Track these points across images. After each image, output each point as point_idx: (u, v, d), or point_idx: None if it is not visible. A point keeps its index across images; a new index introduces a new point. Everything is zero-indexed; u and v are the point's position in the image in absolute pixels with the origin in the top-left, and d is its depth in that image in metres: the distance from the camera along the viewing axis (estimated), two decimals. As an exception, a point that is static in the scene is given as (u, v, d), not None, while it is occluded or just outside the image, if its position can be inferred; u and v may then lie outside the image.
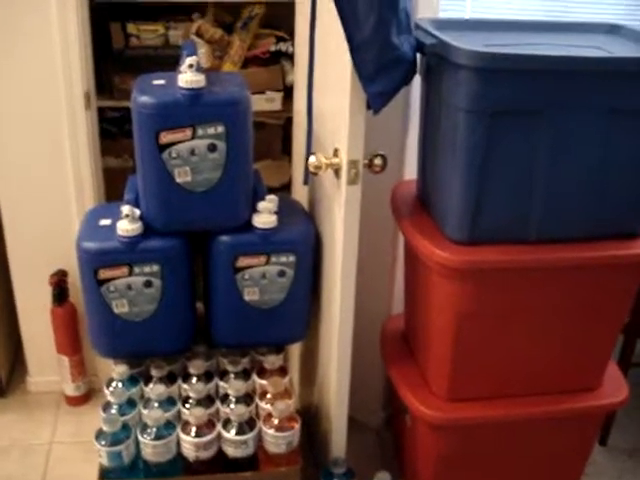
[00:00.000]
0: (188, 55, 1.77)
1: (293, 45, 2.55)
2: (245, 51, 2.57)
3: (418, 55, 1.70)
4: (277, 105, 2.62)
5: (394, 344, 2.22)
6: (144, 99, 1.76)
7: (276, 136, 2.83)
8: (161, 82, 1.84)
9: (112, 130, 2.78)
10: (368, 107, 1.67)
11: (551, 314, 1.87)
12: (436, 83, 1.77)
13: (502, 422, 1.99)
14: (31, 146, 2.33)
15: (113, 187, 2.51)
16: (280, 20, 2.68)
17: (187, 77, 1.73)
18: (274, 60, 2.65)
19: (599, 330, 1.94)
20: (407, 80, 1.67)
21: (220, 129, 1.76)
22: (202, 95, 1.75)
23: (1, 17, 2.17)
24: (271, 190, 1.97)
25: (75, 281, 2.40)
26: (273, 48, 2.63)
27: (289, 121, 2.66)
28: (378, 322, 2.32)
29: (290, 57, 2.61)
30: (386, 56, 1.58)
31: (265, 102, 2.58)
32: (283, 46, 2.62)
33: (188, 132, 1.76)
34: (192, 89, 1.74)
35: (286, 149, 2.83)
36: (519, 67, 1.58)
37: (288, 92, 2.60)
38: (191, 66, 1.73)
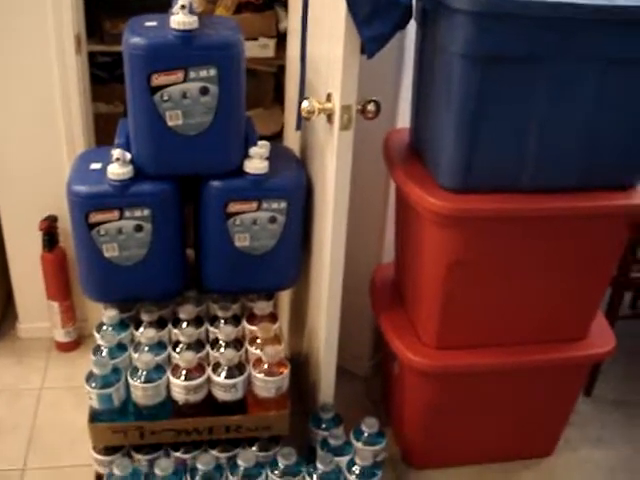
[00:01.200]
0: (182, -6, 1.74)
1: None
2: (238, -4, 2.53)
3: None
4: (270, 52, 2.59)
5: (384, 292, 2.23)
6: (136, 40, 1.73)
7: (268, 84, 2.81)
8: (153, 24, 1.81)
9: (102, 75, 2.75)
10: (362, 52, 1.65)
11: (541, 264, 1.88)
12: (431, 28, 1.75)
13: (489, 370, 2.02)
14: (21, 90, 2.30)
15: (104, 133, 2.48)
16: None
17: (179, 18, 1.70)
18: (267, 6, 2.61)
19: (588, 281, 1.96)
20: (402, 24, 1.65)
21: (212, 72, 1.74)
22: (195, 37, 1.72)
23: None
24: (263, 138, 1.96)
25: (65, 226, 2.39)
26: (267, -6, 2.59)
27: (282, 69, 2.63)
28: (368, 270, 2.33)
29: (283, 3, 2.57)
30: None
31: (258, 49, 2.55)
32: (275, -4, 2.59)
33: (180, 74, 1.73)
34: (184, 30, 1.71)
35: (278, 98, 2.80)
36: (516, 12, 1.56)
37: (281, 39, 2.57)
38: (183, 7, 1.70)
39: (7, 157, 2.39)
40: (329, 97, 1.74)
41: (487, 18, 1.56)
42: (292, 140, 2.26)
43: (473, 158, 1.72)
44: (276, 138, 2.64)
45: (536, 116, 1.69)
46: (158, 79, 1.74)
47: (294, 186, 1.94)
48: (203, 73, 1.74)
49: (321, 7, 1.82)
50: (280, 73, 2.71)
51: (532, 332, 2.01)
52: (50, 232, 2.45)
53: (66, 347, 2.65)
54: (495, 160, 1.74)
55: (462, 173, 1.75)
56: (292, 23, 2.33)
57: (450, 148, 1.73)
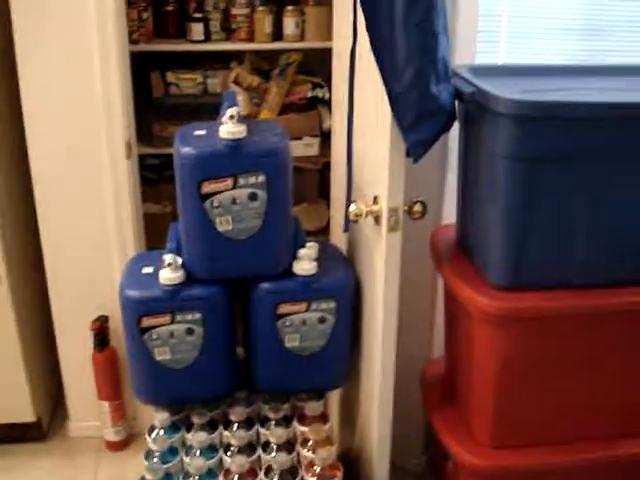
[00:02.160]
0: (229, 106, 1.80)
1: (329, 91, 2.58)
2: (282, 98, 2.61)
3: (456, 102, 1.72)
4: (314, 150, 2.65)
5: (435, 389, 2.20)
6: (186, 150, 1.78)
7: (313, 180, 2.86)
8: (202, 132, 1.86)
9: (151, 176, 2.83)
10: (407, 154, 1.68)
11: (596, 358, 1.84)
12: (475, 130, 1.78)
13: (548, 470, 1.96)
14: (73, 194, 2.38)
15: (153, 232, 2.55)
16: (316, 66, 2.73)
17: (228, 128, 1.76)
18: (311, 106, 2.68)
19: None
20: (446, 128, 1.68)
21: (261, 178, 1.78)
22: (243, 145, 1.77)
23: (47, 69, 2.22)
24: (308, 234, 1.98)
25: (116, 326, 2.43)
26: (309, 94, 2.66)
27: (326, 165, 2.69)
28: (418, 365, 2.30)
29: (326, 103, 2.65)
30: (425, 105, 1.60)
31: (303, 148, 2.61)
32: (319, 92, 2.66)
33: (229, 182, 1.78)
34: (233, 140, 1.76)
35: (323, 193, 2.85)
36: (559, 114, 1.58)
37: (325, 137, 2.63)
38: (232, 117, 1.75)
39: (60, 257, 2.45)
40: (376, 199, 1.76)
41: (531, 121, 1.58)
42: (339, 237, 2.28)
43: (522, 257, 1.72)
44: (321, 233, 2.68)
45: (584, 213, 1.69)
46: (208, 187, 1.78)
47: (343, 286, 1.95)
48: (252, 180, 1.78)
49: (365, 108, 1.86)
50: (324, 169, 2.76)
51: (591, 428, 1.95)
52: (101, 332, 2.49)
53: (116, 446, 2.65)
54: (544, 258, 1.74)
55: (511, 271, 1.74)
56: (336, 123, 2.39)
57: (498, 247, 1.73)
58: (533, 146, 1.60)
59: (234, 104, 1.81)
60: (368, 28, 1.57)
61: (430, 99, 1.59)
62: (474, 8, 2.29)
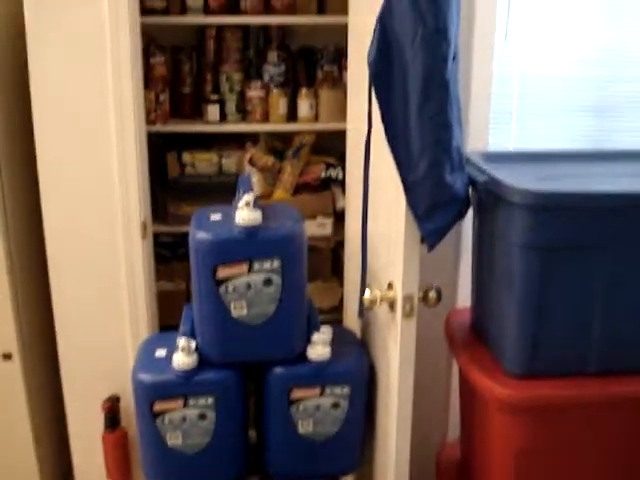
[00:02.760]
0: (245, 192, 1.82)
1: (343, 171, 2.61)
2: (296, 178, 2.63)
3: (470, 190, 1.73)
4: (328, 230, 2.66)
5: (450, 474, 2.17)
6: (202, 235, 1.80)
7: (326, 258, 2.86)
8: (218, 217, 1.88)
9: (165, 254, 2.83)
10: (422, 241, 1.68)
11: (617, 447, 1.81)
12: (489, 217, 1.79)
13: None
14: (88, 272, 2.38)
15: (167, 310, 2.55)
16: (329, 146, 2.76)
17: (244, 215, 1.78)
18: (324, 186, 2.70)
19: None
20: (461, 216, 1.69)
21: (276, 264, 1.80)
22: (258, 231, 1.79)
23: (64, 150, 2.25)
24: (321, 312, 1.98)
25: (127, 406, 2.40)
26: (323, 174, 2.69)
27: (339, 244, 2.70)
28: (433, 448, 2.27)
29: (340, 183, 2.67)
30: (440, 195, 1.61)
31: (316, 227, 2.62)
32: (333, 172, 2.68)
33: (245, 267, 1.79)
34: (249, 227, 1.77)
35: (335, 271, 2.85)
36: (573, 204, 1.59)
37: (338, 217, 2.64)
38: (248, 204, 1.77)
39: (72, 334, 2.43)
40: (390, 285, 1.76)
41: (545, 211, 1.59)
42: (352, 319, 2.27)
43: (537, 345, 1.71)
44: (334, 312, 2.67)
45: (599, 300, 1.69)
46: (223, 272, 1.79)
47: (357, 372, 1.95)
48: (267, 265, 1.79)
49: (379, 192, 1.88)
50: (337, 248, 2.77)
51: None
52: (112, 412, 2.46)
53: (124, 527, 2.59)
54: (560, 346, 1.73)
55: (527, 359, 1.73)
56: (349, 203, 2.40)
57: (514, 335, 1.72)
58: (548, 235, 1.61)
59: (250, 190, 1.83)
60: (383, 119, 1.59)
61: (444, 188, 1.61)
62: (486, 91, 2.33)
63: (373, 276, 1.95)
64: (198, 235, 1.80)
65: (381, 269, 1.89)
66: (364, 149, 1.78)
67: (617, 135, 2.69)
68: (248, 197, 1.78)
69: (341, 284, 2.63)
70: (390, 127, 1.59)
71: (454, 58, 1.59)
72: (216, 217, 1.89)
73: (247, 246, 1.78)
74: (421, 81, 1.53)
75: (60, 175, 2.28)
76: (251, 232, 1.78)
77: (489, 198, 1.73)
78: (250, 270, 1.79)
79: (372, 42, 1.59)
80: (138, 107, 2.31)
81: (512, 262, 1.67)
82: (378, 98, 1.59)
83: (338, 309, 2.65)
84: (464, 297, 2.10)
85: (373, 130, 1.73)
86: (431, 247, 1.66)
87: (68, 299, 2.41)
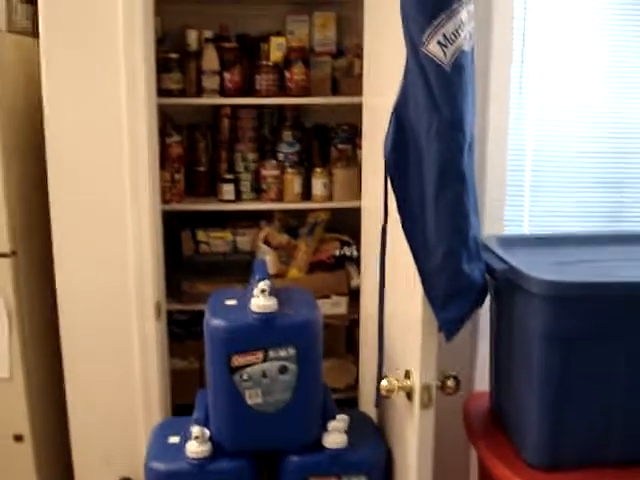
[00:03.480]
0: (260, 278, 1.81)
1: (357, 249, 2.61)
2: (310, 256, 2.63)
3: (487, 276, 1.72)
4: (342, 309, 2.65)
5: None
6: (217, 322, 1.79)
7: (340, 336, 2.84)
8: (233, 302, 1.87)
9: (179, 332, 2.82)
10: (439, 329, 1.66)
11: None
12: (507, 305, 1.77)
13: None
14: (101, 353, 2.36)
15: (179, 389, 2.53)
16: (343, 224, 2.76)
17: (259, 302, 1.77)
18: (339, 264, 2.70)
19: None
20: (478, 305, 1.67)
21: (291, 351, 1.78)
22: (274, 319, 1.77)
23: (79, 229, 2.26)
24: (336, 391, 1.95)
25: (140, 489, 2.37)
26: (337, 252, 2.69)
27: (353, 321, 2.68)
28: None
29: (354, 261, 2.67)
30: (457, 284, 1.59)
31: (331, 306, 2.61)
32: (347, 250, 2.68)
33: (260, 355, 1.77)
34: (264, 313, 1.76)
35: (350, 348, 2.83)
36: (592, 293, 1.58)
37: (352, 294, 2.63)
38: (263, 291, 1.77)
39: (85, 417, 2.41)
40: (408, 374, 1.73)
41: (563, 301, 1.57)
42: (368, 402, 2.24)
43: (558, 435, 1.67)
44: (350, 391, 2.64)
45: (620, 389, 1.65)
46: (238, 360, 1.77)
47: (373, 461, 1.91)
48: (282, 353, 1.78)
49: (396, 277, 1.86)
50: (352, 325, 2.75)
51: None
52: (124, 496, 2.42)
53: None
54: (581, 436, 1.68)
55: (547, 450, 1.68)
56: (364, 282, 2.39)
57: (534, 425, 1.68)
58: (567, 325, 1.59)
59: (265, 276, 1.82)
60: (399, 209, 1.59)
61: (461, 278, 1.59)
62: (502, 169, 2.35)
63: (390, 361, 1.92)
64: (213, 322, 1.79)
65: (398, 355, 1.87)
66: (380, 237, 1.77)
67: (631, 210, 2.69)
68: (263, 284, 1.77)
69: (356, 361, 2.60)
70: (406, 217, 1.58)
71: (470, 147, 1.60)
72: (231, 302, 1.88)
73: (262, 334, 1.77)
74: (437, 172, 1.53)
75: (75, 255, 2.29)
76: (266, 320, 1.77)
77: (507, 286, 1.71)
78: (265, 358, 1.77)
79: (387, 133, 1.60)
80: (154, 187, 2.33)
81: (531, 351, 1.65)
82: (394, 188, 1.59)
83: (354, 388, 2.61)
84: (482, 380, 2.06)
85: (390, 219, 1.73)
86: (449, 337, 1.64)
87: (81, 378, 2.39)
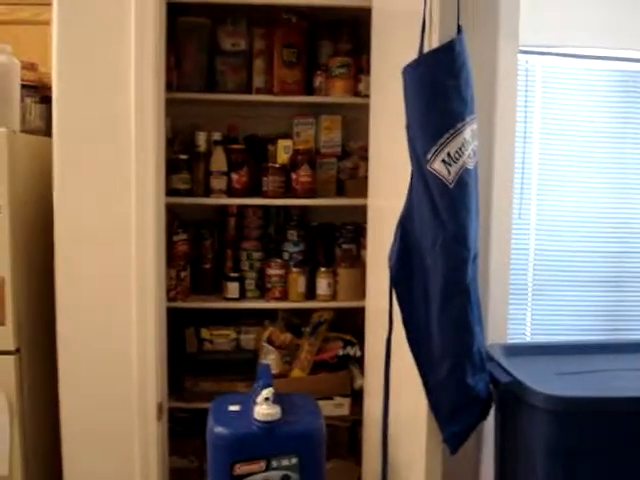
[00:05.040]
0: (264, 385, 1.81)
1: (360, 349, 2.60)
2: (314, 356, 2.63)
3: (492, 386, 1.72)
4: (345, 410, 2.62)
5: None
6: (219, 430, 1.79)
7: (343, 436, 2.80)
8: (236, 409, 1.87)
9: (179, 430, 2.78)
10: (443, 441, 1.66)
11: None
12: (511, 417, 1.77)
13: None
14: (102, 451, 2.33)
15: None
16: (347, 323, 2.77)
17: (263, 410, 1.77)
18: (342, 364, 2.69)
19: None
20: (483, 417, 1.67)
21: (294, 460, 1.77)
22: (277, 427, 1.77)
23: (85, 326, 2.27)
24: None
25: None
26: (341, 352, 2.68)
27: (356, 421, 2.65)
28: None
29: (357, 360, 2.66)
30: (461, 397, 1.60)
31: (333, 407, 2.59)
32: (351, 350, 2.67)
33: (262, 464, 1.76)
34: (267, 422, 1.76)
35: (353, 449, 2.79)
36: (596, 409, 1.58)
37: (355, 395, 2.61)
38: (267, 399, 1.76)
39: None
40: None
41: (568, 416, 1.57)
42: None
43: None
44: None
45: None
46: (240, 469, 1.77)
47: None
48: (285, 462, 1.77)
49: (401, 389, 1.86)
50: (355, 425, 2.72)
51: None
52: None
53: None
54: None
55: None
56: (368, 383, 2.39)
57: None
58: (571, 439, 1.59)
59: (269, 383, 1.82)
60: (404, 321, 1.61)
61: (466, 391, 1.60)
62: (506, 272, 2.37)
63: (394, 472, 1.90)
64: (217, 430, 1.79)
65: (402, 466, 1.85)
66: (385, 348, 1.78)
67: (630, 308, 2.71)
68: (267, 392, 1.77)
69: (358, 462, 2.57)
70: (411, 330, 1.60)
71: (474, 260, 1.62)
72: (235, 408, 1.88)
73: (266, 443, 1.77)
74: (442, 285, 1.56)
75: (80, 353, 2.29)
76: (270, 428, 1.76)
77: (511, 399, 1.71)
78: (268, 467, 1.76)
79: (393, 244, 1.63)
80: (160, 285, 2.35)
81: (535, 463, 1.64)
82: (399, 301, 1.62)
83: (356, 491, 2.57)
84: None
85: (394, 327, 1.74)
86: (454, 450, 1.63)
87: (80, 478, 2.36)
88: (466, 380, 1.58)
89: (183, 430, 2.80)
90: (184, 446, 2.75)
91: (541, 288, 2.69)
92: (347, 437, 2.84)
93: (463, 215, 1.55)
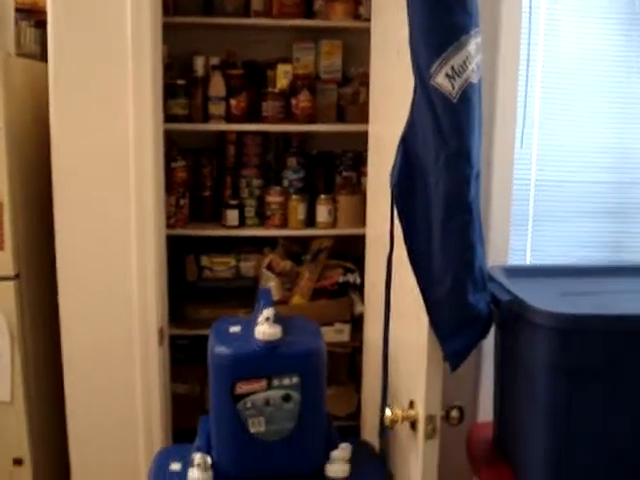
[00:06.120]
0: (265, 306, 1.81)
1: (360, 276, 2.61)
2: (314, 283, 2.63)
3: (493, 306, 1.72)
4: (345, 336, 2.65)
5: None
6: (221, 350, 1.78)
7: (343, 363, 2.83)
8: (237, 329, 1.87)
9: (180, 357, 2.81)
10: (444, 359, 1.66)
11: None
12: (512, 337, 1.77)
13: None
14: (103, 379, 2.35)
15: (180, 413, 2.51)
16: (347, 251, 2.76)
17: (264, 329, 1.76)
18: (342, 291, 2.70)
19: None
20: (483, 336, 1.66)
21: (295, 380, 1.77)
22: (278, 347, 1.77)
23: (83, 252, 2.26)
24: (338, 419, 1.93)
25: (140, 517, 2.35)
26: (341, 279, 2.69)
27: (355, 348, 2.67)
28: None
29: (357, 287, 2.66)
30: (463, 315, 1.59)
31: (333, 334, 2.60)
32: (351, 277, 2.68)
33: (264, 383, 1.76)
34: (269, 341, 1.76)
35: (352, 375, 2.82)
36: (598, 327, 1.58)
37: (355, 322, 2.63)
38: (268, 319, 1.76)
39: (84, 442, 2.38)
40: (412, 404, 1.73)
41: (569, 333, 1.57)
42: (370, 429, 2.23)
43: (563, 469, 1.66)
44: (351, 419, 2.62)
45: (627, 424, 1.65)
46: (242, 388, 1.77)
47: (376, 490, 1.90)
48: (286, 381, 1.77)
49: (401, 309, 1.86)
50: (354, 352, 2.74)
51: None
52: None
53: None
54: (586, 470, 1.68)
55: (553, 484, 1.68)
56: (368, 310, 2.39)
57: (538, 458, 1.68)
58: (573, 358, 1.59)
59: (270, 304, 1.82)
60: (406, 240, 1.59)
61: (467, 308, 1.59)
62: (507, 199, 2.36)
63: (394, 391, 1.91)
64: (218, 349, 1.79)
65: (402, 385, 1.86)
66: (386, 266, 1.77)
67: (632, 239, 2.70)
68: (268, 312, 1.77)
69: (358, 389, 2.60)
70: (413, 247, 1.59)
71: (477, 177, 1.60)
72: (236, 329, 1.87)
73: (267, 362, 1.76)
74: (444, 202, 1.54)
75: (79, 278, 2.28)
76: (271, 348, 1.76)
77: (512, 318, 1.71)
78: (269, 386, 1.77)
79: (394, 163, 1.61)
80: (159, 212, 2.33)
81: (536, 383, 1.64)
82: (401, 219, 1.60)
83: (355, 416, 2.60)
84: (485, 411, 2.05)
85: (395, 247, 1.73)
86: (454, 368, 1.63)
87: (82, 402, 2.38)
88: (467, 298, 1.57)
89: (184, 357, 2.82)
90: (185, 373, 2.79)
91: (542, 219, 2.68)
92: (347, 364, 2.86)
93: (467, 131, 1.52)
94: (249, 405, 1.77)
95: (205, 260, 2.71)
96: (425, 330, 1.62)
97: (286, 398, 1.78)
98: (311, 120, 2.65)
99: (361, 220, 2.52)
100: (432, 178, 1.55)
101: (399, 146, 1.60)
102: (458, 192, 1.53)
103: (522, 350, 1.70)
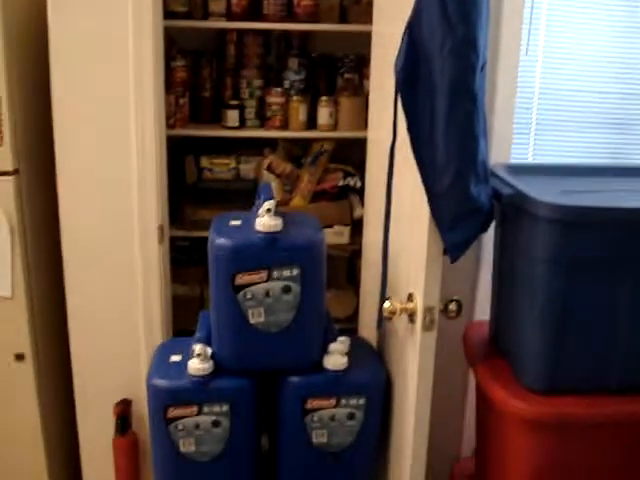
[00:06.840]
0: (265, 199, 1.80)
1: (361, 180, 2.60)
2: (314, 185, 2.62)
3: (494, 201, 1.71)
4: (345, 239, 2.65)
5: (463, 489, 2.15)
6: (221, 241, 1.79)
7: (342, 267, 2.84)
8: (237, 223, 1.87)
9: (181, 258, 2.82)
10: (444, 252, 1.66)
11: (637, 469, 1.79)
12: (513, 231, 1.77)
13: None
14: (103, 275, 2.36)
15: (180, 314, 2.54)
16: (348, 154, 2.74)
17: (264, 221, 1.76)
18: (342, 194, 2.69)
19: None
20: (484, 229, 1.67)
21: (295, 271, 1.78)
22: (279, 239, 1.77)
23: (83, 151, 2.24)
24: (336, 321, 1.96)
25: (139, 410, 2.39)
26: (341, 183, 2.68)
27: (354, 252, 2.68)
28: (447, 462, 2.25)
29: (357, 191, 2.66)
30: (464, 207, 1.59)
31: (333, 236, 2.60)
32: (351, 181, 2.67)
33: (264, 274, 1.77)
34: (269, 233, 1.76)
35: (351, 279, 2.84)
36: (599, 219, 1.58)
37: (355, 225, 2.63)
38: (269, 210, 1.76)
39: (85, 337, 2.41)
40: (411, 297, 1.74)
41: (570, 225, 1.57)
42: (368, 329, 2.26)
43: (558, 360, 1.69)
44: (349, 321, 2.65)
45: (624, 318, 1.67)
46: (242, 279, 1.78)
47: (373, 383, 1.93)
48: (286, 272, 1.78)
49: (402, 202, 1.86)
50: (353, 256, 2.75)
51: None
52: (123, 416, 2.44)
53: (132, 534, 2.57)
54: (582, 361, 1.71)
55: (547, 375, 1.71)
56: (368, 212, 2.39)
57: (535, 350, 1.70)
58: (573, 250, 1.60)
59: (270, 197, 1.82)
60: (409, 129, 1.58)
61: (469, 200, 1.59)
62: (510, 104, 2.33)
63: (392, 287, 1.92)
64: (218, 241, 1.79)
65: (401, 280, 1.87)
66: (388, 157, 1.76)
67: (633, 150, 2.69)
68: (269, 204, 1.77)
69: (356, 293, 2.62)
70: (416, 137, 1.57)
71: (482, 68, 1.58)
72: (236, 223, 1.87)
73: (267, 253, 1.77)
74: (448, 91, 1.52)
75: (78, 178, 2.27)
76: (271, 239, 1.76)
77: (513, 211, 1.71)
78: (269, 277, 1.78)
79: (399, 51, 1.58)
80: (159, 111, 2.30)
81: (534, 276, 1.65)
82: (404, 107, 1.58)
83: (353, 319, 2.63)
84: (482, 309, 2.07)
85: (398, 139, 1.72)
86: (454, 259, 1.64)
87: (82, 301, 2.40)
88: (469, 189, 1.57)
89: (184, 258, 2.83)
90: (185, 274, 2.80)
91: (544, 128, 2.65)
92: (346, 268, 2.88)
93: (474, 18, 1.49)
94: (249, 296, 1.79)
95: (205, 161, 2.69)
96: (426, 222, 1.62)
97: (286, 290, 1.79)
98: (313, 19, 2.60)
99: (363, 123, 2.49)
100: (437, 65, 1.52)
101: (404, 33, 1.57)
102: (463, 79, 1.51)
103: (522, 243, 1.71)
